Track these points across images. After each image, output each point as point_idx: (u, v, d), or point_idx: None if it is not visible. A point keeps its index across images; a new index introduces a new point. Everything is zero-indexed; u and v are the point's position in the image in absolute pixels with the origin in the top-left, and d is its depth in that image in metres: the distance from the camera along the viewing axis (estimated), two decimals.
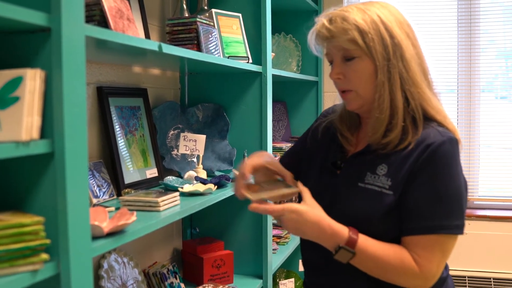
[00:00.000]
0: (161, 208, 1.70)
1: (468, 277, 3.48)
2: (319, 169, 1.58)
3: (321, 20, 1.45)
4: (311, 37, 1.50)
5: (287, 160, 1.75)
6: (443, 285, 1.50)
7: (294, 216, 1.37)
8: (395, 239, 1.41)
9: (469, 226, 3.54)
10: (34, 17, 1.09)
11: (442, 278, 1.47)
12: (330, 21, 1.43)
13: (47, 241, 1.12)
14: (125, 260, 2.03)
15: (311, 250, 1.55)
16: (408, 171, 1.38)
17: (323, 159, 1.59)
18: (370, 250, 1.36)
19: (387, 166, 1.41)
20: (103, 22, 1.55)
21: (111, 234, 1.39)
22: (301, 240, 1.61)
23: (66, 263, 1.16)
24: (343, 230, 1.37)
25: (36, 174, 1.17)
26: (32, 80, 1.11)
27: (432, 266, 1.36)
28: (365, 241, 1.37)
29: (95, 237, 1.32)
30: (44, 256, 1.11)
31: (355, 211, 1.42)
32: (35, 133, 1.11)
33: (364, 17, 1.40)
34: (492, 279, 3.51)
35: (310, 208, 1.39)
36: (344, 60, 1.44)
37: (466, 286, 3.48)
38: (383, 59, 1.39)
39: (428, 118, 1.44)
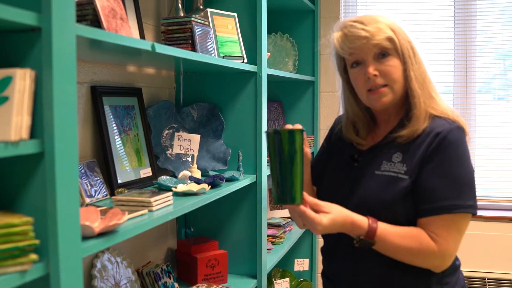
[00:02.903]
0: (154, 208, 1.69)
1: None
2: (336, 164, 1.74)
3: (351, 24, 1.59)
4: (340, 39, 1.62)
5: (317, 165, 1.85)
6: (456, 273, 1.62)
7: (333, 220, 1.46)
8: (412, 222, 1.53)
9: None
10: (24, 17, 1.08)
11: (456, 266, 1.62)
12: (363, 23, 1.58)
13: (36, 242, 1.12)
14: (119, 259, 2.03)
15: (332, 241, 1.69)
16: (421, 157, 1.52)
17: (340, 155, 1.74)
18: (389, 237, 1.48)
19: (402, 153, 1.56)
20: (96, 22, 1.54)
21: (102, 234, 1.38)
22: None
23: (56, 263, 1.15)
24: (363, 222, 1.49)
25: (25, 174, 1.17)
26: (22, 80, 1.11)
27: (449, 244, 1.48)
28: (384, 230, 1.49)
29: (86, 237, 1.32)
30: (33, 256, 1.11)
31: (374, 196, 1.55)
32: (25, 133, 1.11)
33: (389, 21, 1.60)
34: (486, 279, 3.52)
35: (334, 210, 1.47)
36: (377, 59, 1.59)
37: None
38: (408, 57, 1.58)
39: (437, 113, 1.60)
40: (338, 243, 1.65)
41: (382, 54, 1.58)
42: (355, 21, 1.59)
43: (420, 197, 1.51)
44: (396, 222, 1.51)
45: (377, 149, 1.63)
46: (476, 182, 1.54)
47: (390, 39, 1.57)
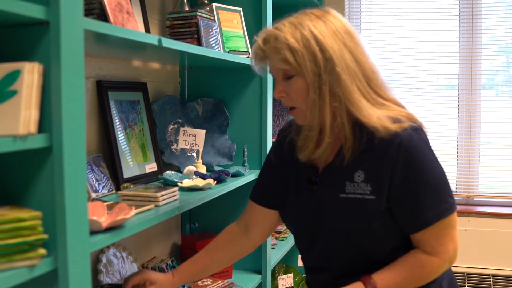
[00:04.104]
0: (160, 203, 1.69)
1: (467, 274, 3.47)
2: (295, 189, 1.58)
3: (257, 41, 1.45)
4: (252, 58, 1.50)
5: (261, 196, 1.72)
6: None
7: None
8: (397, 249, 1.46)
9: (469, 222, 3.54)
10: (32, 10, 1.08)
11: None
12: (264, 41, 1.43)
13: (45, 236, 1.12)
14: (124, 254, 2.03)
15: (316, 273, 1.60)
16: (389, 175, 1.39)
17: (296, 177, 1.57)
18: (392, 283, 1.43)
19: (363, 171, 1.42)
20: (103, 16, 1.53)
21: (109, 228, 1.38)
22: (303, 258, 1.65)
23: (64, 258, 1.15)
24: None
25: (33, 169, 1.16)
26: (30, 74, 1.10)
27: (448, 247, 1.44)
28: (382, 280, 1.43)
29: (93, 232, 1.31)
30: (42, 251, 1.11)
31: (344, 225, 1.44)
32: (33, 127, 1.10)
33: (295, 34, 1.38)
34: (491, 276, 3.51)
35: None
36: (285, 78, 1.44)
37: (465, 283, 3.47)
38: (313, 75, 1.37)
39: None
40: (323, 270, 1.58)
41: (286, 75, 1.43)
42: (260, 36, 1.45)
43: (403, 215, 1.42)
44: (377, 244, 1.45)
45: (334, 167, 1.48)
46: (449, 180, 1.47)
47: (285, 61, 1.39)
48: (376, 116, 1.39)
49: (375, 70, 1.45)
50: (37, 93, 1.12)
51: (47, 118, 1.14)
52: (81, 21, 1.19)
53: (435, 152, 1.46)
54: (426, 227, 1.41)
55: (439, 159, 1.46)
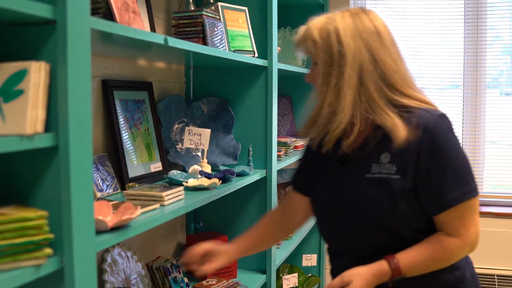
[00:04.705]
0: (166, 203, 1.69)
1: None
2: (324, 173, 1.66)
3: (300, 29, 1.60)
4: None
5: (298, 183, 1.83)
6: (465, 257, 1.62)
7: (358, 284, 1.48)
8: (421, 231, 1.51)
9: None
10: (39, 9, 1.08)
11: None
12: (301, 30, 1.58)
13: (51, 236, 1.11)
14: (129, 254, 2.03)
15: (340, 257, 1.66)
16: (414, 156, 1.47)
17: (326, 162, 1.65)
18: (414, 261, 1.48)
19: (389, 153, 1.50)
20: (109, 15, 1.53)
21: (115, 228, 1.38)
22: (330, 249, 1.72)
23: (70, 257, 1.15)
24: (383, 267, 1.48)
25: (40, 168, 1.16)
26: (37, 73, 1.10)
27: (470, 230, 1.50)
28: (405, 259, 1.48)
29: (99, 232, 1.31)
30: (48, 250, 1.10)
31: (369, 203, 1.51)
32: (40, 127, 1.10)
33: (322, 27, 1.51)
34: (496, 276, 3.51)
35: (354, 276, 1.49)
36: (313, 64, 1.58)
37: None
38: (325, 65, 1.50)
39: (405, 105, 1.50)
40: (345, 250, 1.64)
41: (313, 61, 1.58)
42: (304, 25, 1.59)
43: (427, 196, 1.48)
44: (401, 224, 1.50)
45: (362, 152, 1.55)
46: (473, 169, 1.54)
47: (307, 49, 1.56)
48: (420, 97, 1.53)
49: (398, 70, 1.51)
50: (43, 93, 1.12)
51: (54, 117, 1.14)
52: (87, 20, 1.19)
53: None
54: (448, 208, 1.47)
55: None
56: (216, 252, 1.75)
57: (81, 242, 1.17)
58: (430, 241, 1.50)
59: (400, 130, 1.44)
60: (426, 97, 1.55)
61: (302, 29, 1.58)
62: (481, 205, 3.65)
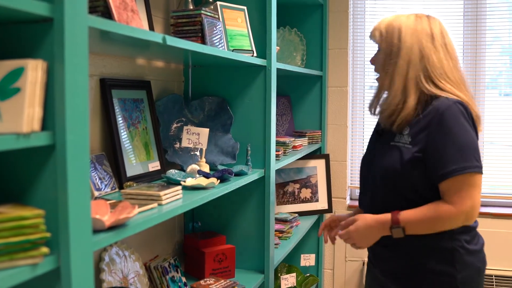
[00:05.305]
0: (164, 202, 1.68)
1: None
2: (371, 137, 2.13)
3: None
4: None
5: None
6: (470, 233, 1.86)
7: (360, 223, 1.86)
8: (423, 197, 1.79)
9: None
10: (36, 7, 1.07)
11: (468, 226, 1.84)
12: (377, 22, 1.98)
13: (47, 235, 1.11)
14: (127, 253, 2.02)
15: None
16: (425, 130, 1.78)
17: (372, 136, 2.12)
18: (412, 218, 1.77)
19: (409, 127, 1.84)
20: (107, 13, 1.53)
21: (112, 227, 1.37)
22: None
23: (67, 256, 1.15)
24: (386, 217, 1.80)
25: (36, 167, 1.16)
26: (34, 71, 1.10)
27: (465, 201, 1.72)
28: (404, 214, 1.78)
29: (96, 231, 1.31)
30: (44, 249, 1.10)
31: (386, 163, 1.86)
32: (36, 125, 1.10)
33: (390, 23, 1.92)
34: (494, 277, 3.50)
35: (362, 218, 1.87)
36: (378, 50, 1.97)
37: None
38: (385, 54, 1.91)
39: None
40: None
41: (378, 48, 1.97)
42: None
43: (431, 165, 1.76)
44: (408, 187, 1.80)
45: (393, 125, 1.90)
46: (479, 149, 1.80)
47: (375, 37, 1.95)
48: (452, 90, 1.84)
49: (440, 66, 1.84)
50: (40, 91, 1.11)
51: (51, 115, 1.13)
52: (85, 19, 1.18)
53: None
54: (447, 178, 1.72)
55: None
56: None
57: (78, 241, 1.17)
58: (430, 204, 1.77)
59: (406, 110, 1.82)
60: (460, 92, 1.83)
61: (378, 22, 1.98)
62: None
